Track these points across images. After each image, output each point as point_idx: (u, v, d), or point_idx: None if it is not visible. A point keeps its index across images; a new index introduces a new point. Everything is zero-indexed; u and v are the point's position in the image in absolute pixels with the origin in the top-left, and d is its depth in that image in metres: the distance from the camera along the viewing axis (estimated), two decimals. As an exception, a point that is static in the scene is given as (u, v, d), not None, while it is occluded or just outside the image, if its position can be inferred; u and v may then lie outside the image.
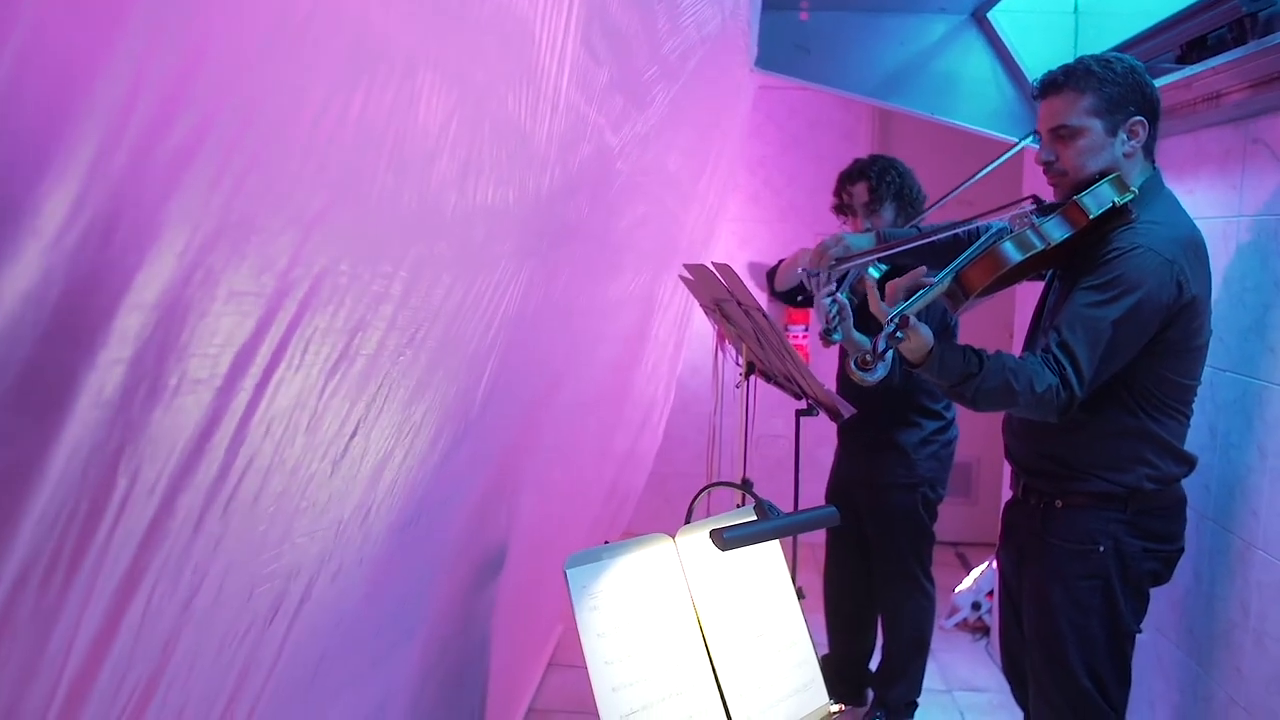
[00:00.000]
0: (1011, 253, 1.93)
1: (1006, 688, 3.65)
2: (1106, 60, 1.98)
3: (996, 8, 3.23)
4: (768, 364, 2.47)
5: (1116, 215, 1.92)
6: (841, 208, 3.06)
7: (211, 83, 0.54)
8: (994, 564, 4.20)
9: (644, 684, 1.53)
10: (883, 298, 1.88)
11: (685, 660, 1.60)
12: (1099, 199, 1.91)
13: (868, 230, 2.66)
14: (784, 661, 1.75)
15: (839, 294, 2.63)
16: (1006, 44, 3.27)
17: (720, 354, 3.13)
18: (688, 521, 1.72)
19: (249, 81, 0.57)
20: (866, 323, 2.86)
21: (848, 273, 2.71)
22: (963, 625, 4.14)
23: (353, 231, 0.76)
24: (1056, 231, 1.93)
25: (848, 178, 3.03)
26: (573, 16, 1.04)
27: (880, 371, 1.76)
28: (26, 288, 0.47)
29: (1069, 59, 3.34)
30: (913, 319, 1.82)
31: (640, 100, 1.59)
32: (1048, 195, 2.13)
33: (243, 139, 0.57)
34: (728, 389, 3.27)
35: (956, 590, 4.23)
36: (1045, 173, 2.08)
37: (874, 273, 2.76)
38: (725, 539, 1.50)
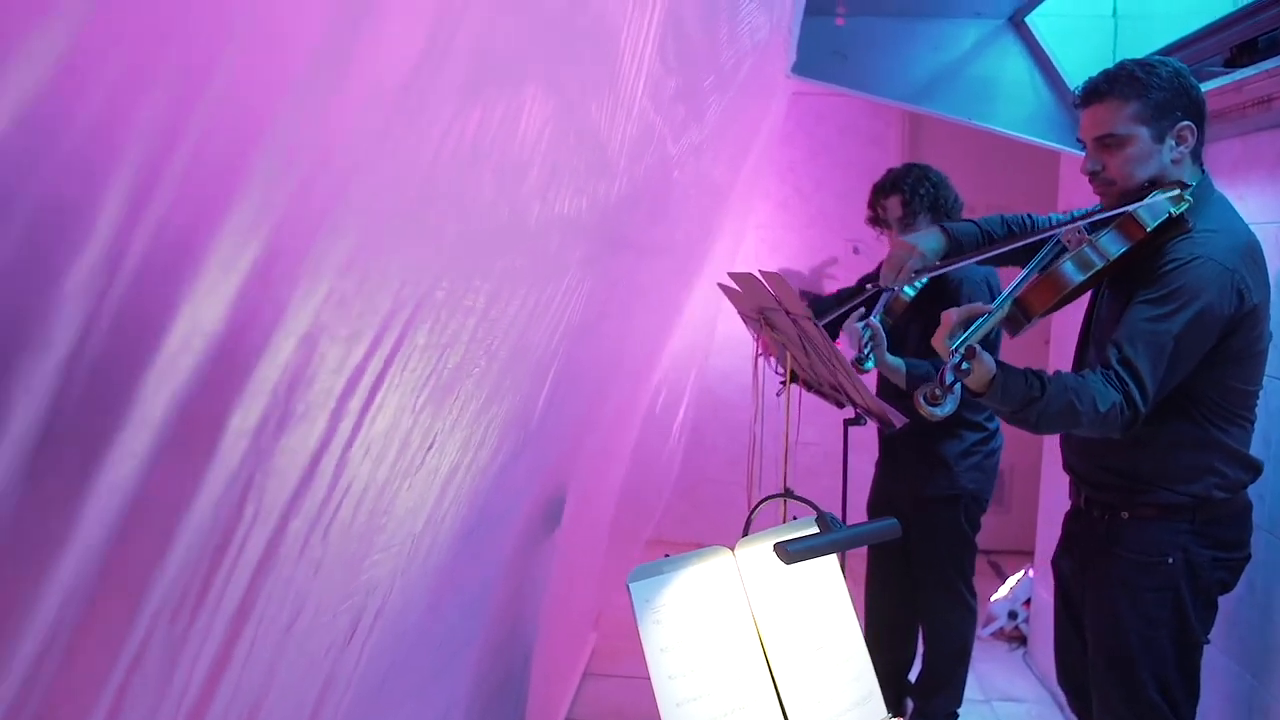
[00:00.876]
0: (1073, 273, 1.89)
1: (1045, 698, 3.65)
2: (1150, 65, 1.93)
3: (1034, 12, 3.21)
4: (812, 373, 2.45)
5: (1173, 225, 1.88)
6: (876, 220, 3.03)
7: (344, 122, 0.53)
8: (1030, 573, 4.18)
9: (708, 699, 1.51)
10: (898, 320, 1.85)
11: (747, 674, 1.58)
12: (1155, 211, 1.87)
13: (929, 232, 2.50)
14: (843, 674, 1.72)
15: (872, 318, 2.61)
16: (1044, 48, 3.25)
17: (762, 362, 3.11)
18: (745, 534, 1.70)
19: (378, 112, 0.56)
20: (896, 345, 2.85)
21: (879, 294, 2.68)
22: (999, 634, 4.11)
23: (457, 247, 0.75)
24: (1114, 247, 1.89)
25: (880, 191, 3.00)
26: (654, 23, 1.03)
27: (949, 406, 1.72)
28: (209, 328, 0.46)
29: (1107, 63, 3.31)
30: (977, 348, 1.78)
31: (698, 110, 1.58)
32: (1079, 205, 2.11)
33: (377, 164, 0.56)
34: (766, 397, 3.25)
35: (992, 599, 4.19)
36: (1091, 182, 2.03)
37: (909, 291, 2.72)
38: (790, 552, 1.48)
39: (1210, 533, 1.97)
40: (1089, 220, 1.96)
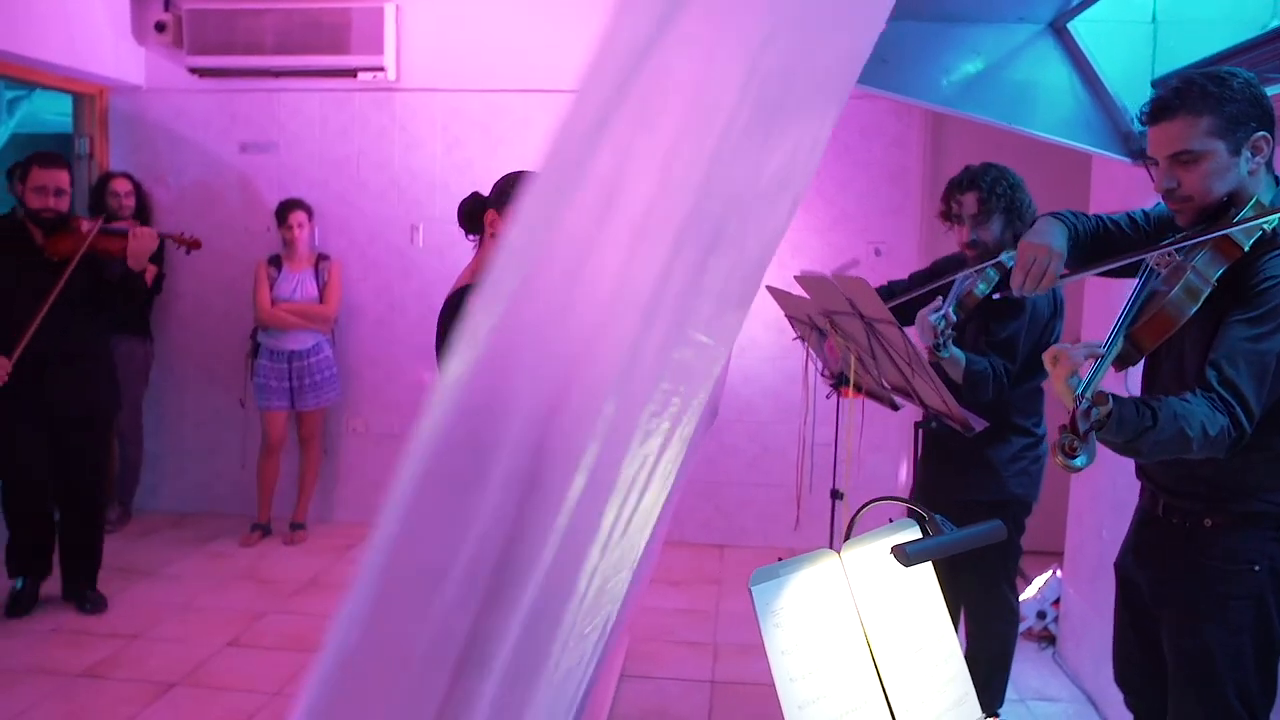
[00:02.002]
0: (1184, 305, 1.85)
1: (1079, 696, 3.69)
2: (1220, 76, 1.89)
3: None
4: (876, 376, 2.47)
5: (1263, 241, 1.87)
6: (948, 215, 3.03)
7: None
8: (1058, 572, 4.22)
9: (826, 700, 1.53)
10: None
11: (856, 676, 1.60)
12: (1247, 229, 1.84)
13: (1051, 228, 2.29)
14: (941, 675, 1.74)
15: (948, 309, 2.64)
16: (1085, 53, 3.27)
17: (811, 365, 3.13)
18: (847, 538, 1.72)
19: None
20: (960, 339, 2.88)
21: (952, 284, 2.71)
22: (1028, 634, 4.14)
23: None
24: (1212, 270, 1.86)
25: (957, 186, 3.00)
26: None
27: (1085, 459, 1.63)
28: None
29: (1147, 69, 3.36)
30: (1104, 393, 1.72)
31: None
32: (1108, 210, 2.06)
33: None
34: (810, 399, 3.27)
35: (1020, 599, 4.22)
36: (1166, 199, 2.00)
37: (982, 288, 2.75)
38: (909, 555, 1.50)
39: None
40: (1178, 245, 1.91)
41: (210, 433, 5.82)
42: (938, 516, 1.61)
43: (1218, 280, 1.86)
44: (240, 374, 5.59)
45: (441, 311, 2.31)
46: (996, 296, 2.80)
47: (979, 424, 2.18)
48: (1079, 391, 1.66)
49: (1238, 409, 1.79)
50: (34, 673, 3.65)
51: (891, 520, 1.82)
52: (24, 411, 4.00)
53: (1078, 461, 1.61)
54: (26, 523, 4.17)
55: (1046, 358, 1.78)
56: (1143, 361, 2.08)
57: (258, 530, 5.36)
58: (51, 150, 4.22)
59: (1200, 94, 1.88)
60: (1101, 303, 3.66)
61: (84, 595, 4.27)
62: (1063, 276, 2.10)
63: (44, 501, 4.16)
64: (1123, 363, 1.90)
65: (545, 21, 5.37)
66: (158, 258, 5.41)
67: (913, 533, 1.76)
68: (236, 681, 3.66)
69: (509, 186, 2.39)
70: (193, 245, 4.39)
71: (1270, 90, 2.37)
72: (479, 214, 2.41)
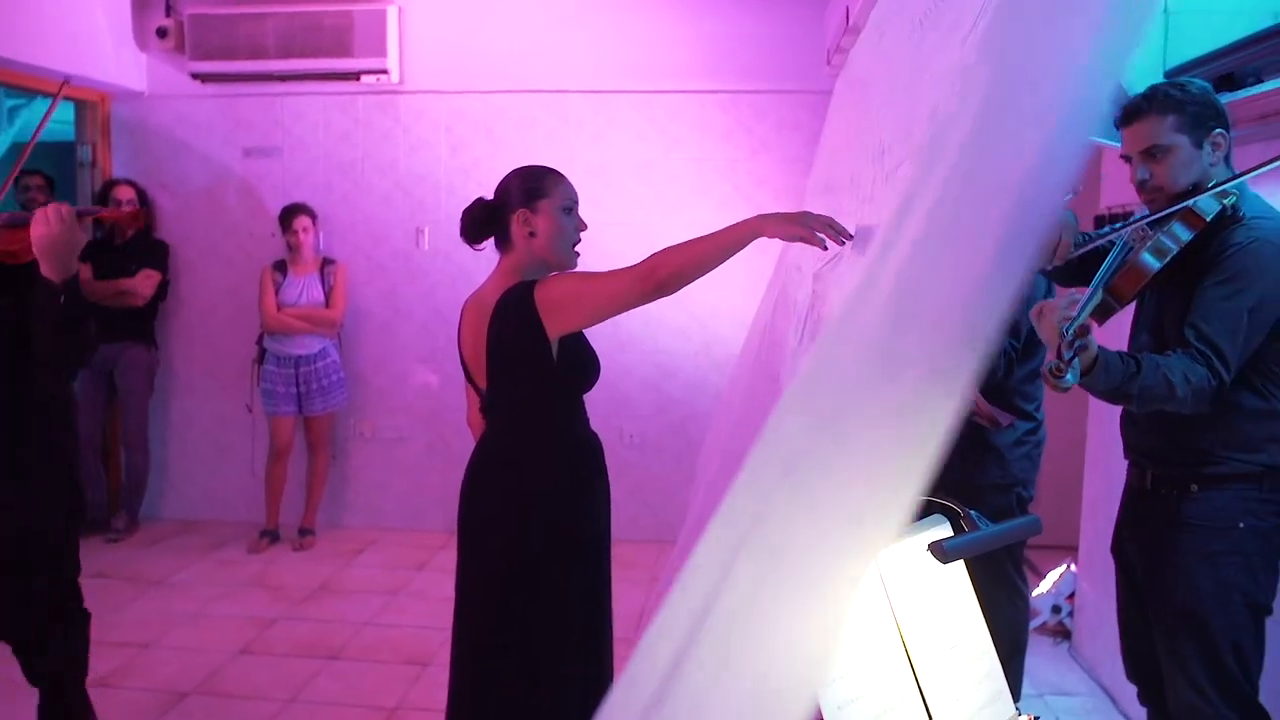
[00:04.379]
0: (1153, 261, 2.10)
1: (1096, 690, 3.67)
2: (1179, 84, 2.19)
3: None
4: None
5: (1224, 217, 2.12)
6: None
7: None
8: (1073, 566, 4.20)
9: (864, 700, 1.51)
10: None
11: (893, 674, 1.58)
12: (1208, 205, 2.09)
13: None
14: (975, 673, 1.73)
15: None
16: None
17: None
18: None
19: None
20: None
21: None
22: (1042, 629, 4.12)
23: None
24: (1184, 234, 2.10)
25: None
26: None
27: (1072, 377, 1.84)
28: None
29: (1159, 60, 3.34)
30: (1087, 325, 1.90)
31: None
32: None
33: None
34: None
35: (1034, 594, 4.20)
36: (1140, 191, 2.25)
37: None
38: (946, 551, 1.48)
39: (1275, 499, 2.14)
40: (1148, 220, 2.17)
41: (217, 439, 5.79)
42: (974, 513, 1.59)
43: (1184, 247, 2.09)
44: (247, 380, 5.57)
45: (494, 312, 2.27)
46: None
47: (1006, 419, 2.18)
48: (1064, 328, 1.86)
49: (1215, 359, 2.02)
50: (46, 683, 3.62)
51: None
52: None
53: (1066, 379, 1.84)
54: None
55: (1033, 314, 2.02)
56: (1127, 342, 2.39)
57: (266, 537, 5.34)
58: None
59: (1164, 97, 2.17)
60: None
61: None
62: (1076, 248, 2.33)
63: None
64: (1102, 314, 2.12)
65: (547, 22, 5.36)
66: (161, 264, 5.40)
67: (943, 529, 1.74)
68: (250, 689, 3.64)
69: (528, 182, 2.36)
70: (124, 221, 3.84)
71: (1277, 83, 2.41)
72: (499, 218, 2.37)
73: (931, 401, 0.63)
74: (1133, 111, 2.21)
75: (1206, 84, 2.22)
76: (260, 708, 3.49)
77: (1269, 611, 2.16)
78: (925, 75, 1.85)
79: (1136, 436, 2.35)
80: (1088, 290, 2.04)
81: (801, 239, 2.15)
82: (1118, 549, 2.44)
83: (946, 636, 1.71)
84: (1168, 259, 2.09)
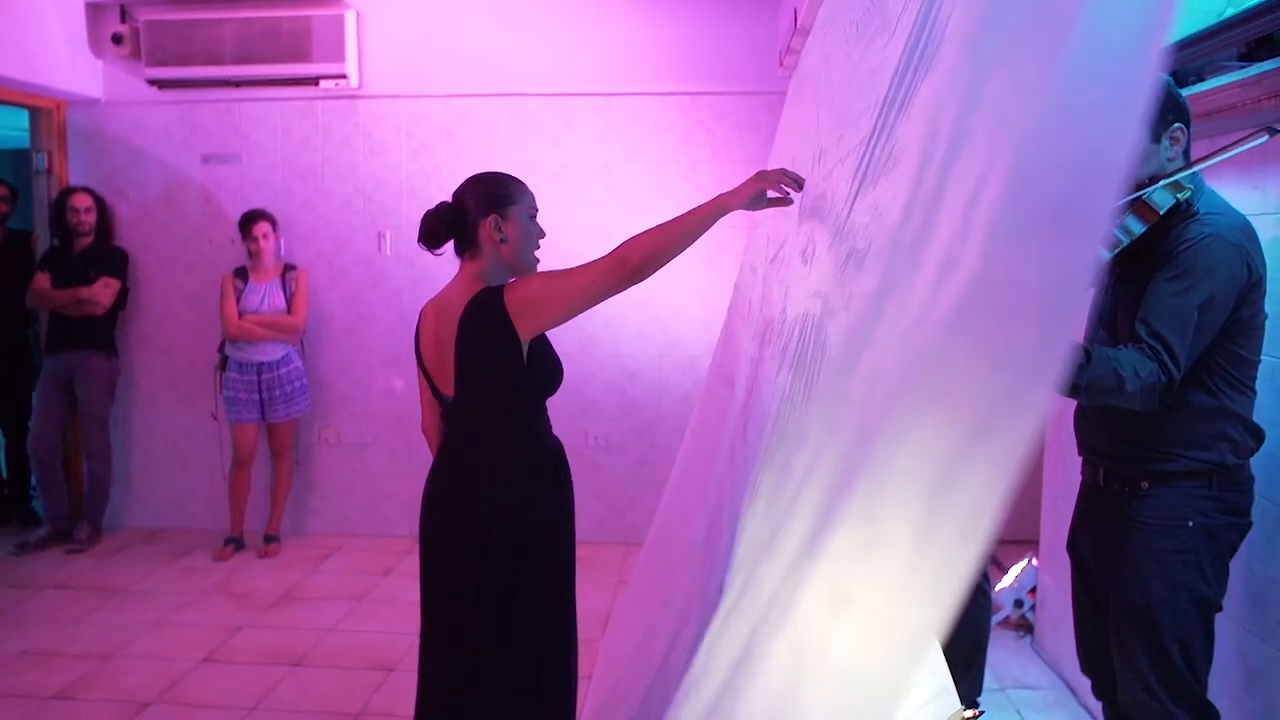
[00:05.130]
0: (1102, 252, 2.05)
1: (1058, 684, 3.71)
2: None
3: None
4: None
5: (1179, 211, 2.09)
6: None
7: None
8: (1034, 561, 4.24)
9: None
10: None
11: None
12: (1163, 197, 2.06)
13: None
14: (919, 668, 1.74)
15: None
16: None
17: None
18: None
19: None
20: None
21: None
22: (1005, 623, 4.16)
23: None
24: (1136, 226, 2.07)
25: None
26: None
27: None
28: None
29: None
30: None
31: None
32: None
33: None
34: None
35: (997, 588, 4.25)
36: None
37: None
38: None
39: (1224, 498, 2.13)
40: None
41: (180, 447, 5.75)
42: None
43: (1137, 240, 2.07)
44: (209, 387, 5.54)
45: (463, 317, 2.26)
46: None
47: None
48: None
49: (1165, 355, 2.00)
50: (4, 697, 3.59)
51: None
52: None
53: None
54: None
55: None
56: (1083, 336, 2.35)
57: (231, 544, 5.31)
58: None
59: None
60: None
61: None
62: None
63: None
64: None
65: (505, 26, 5.36)
66: (120, 272, 5.36)
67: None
68: (214, 698, 3.62)
69: (497, 189, 2.36)
70: None
71: (1222, 80, 2.42)
72: (463, 223, 2.35)
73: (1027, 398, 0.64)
74: None
75: (1168, 78, 2.16)
76: (224, 716, 3.47)
77: (1219, 608, 2.15)
78: (855, 79, 1.86)
79: (1090, 434, 2.34)
80: None
81: (765, 199, 2.25)
82: (1072, 545, 2.45)
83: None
84: (1117, 250, 2.08)
